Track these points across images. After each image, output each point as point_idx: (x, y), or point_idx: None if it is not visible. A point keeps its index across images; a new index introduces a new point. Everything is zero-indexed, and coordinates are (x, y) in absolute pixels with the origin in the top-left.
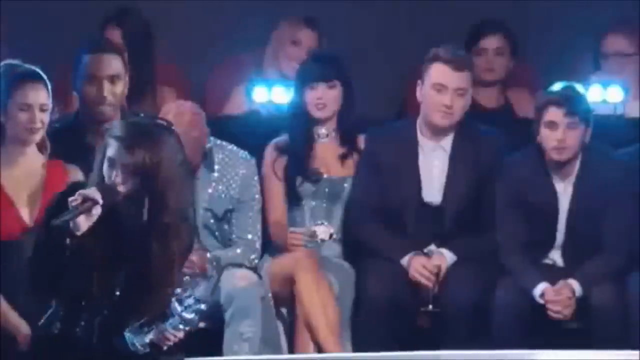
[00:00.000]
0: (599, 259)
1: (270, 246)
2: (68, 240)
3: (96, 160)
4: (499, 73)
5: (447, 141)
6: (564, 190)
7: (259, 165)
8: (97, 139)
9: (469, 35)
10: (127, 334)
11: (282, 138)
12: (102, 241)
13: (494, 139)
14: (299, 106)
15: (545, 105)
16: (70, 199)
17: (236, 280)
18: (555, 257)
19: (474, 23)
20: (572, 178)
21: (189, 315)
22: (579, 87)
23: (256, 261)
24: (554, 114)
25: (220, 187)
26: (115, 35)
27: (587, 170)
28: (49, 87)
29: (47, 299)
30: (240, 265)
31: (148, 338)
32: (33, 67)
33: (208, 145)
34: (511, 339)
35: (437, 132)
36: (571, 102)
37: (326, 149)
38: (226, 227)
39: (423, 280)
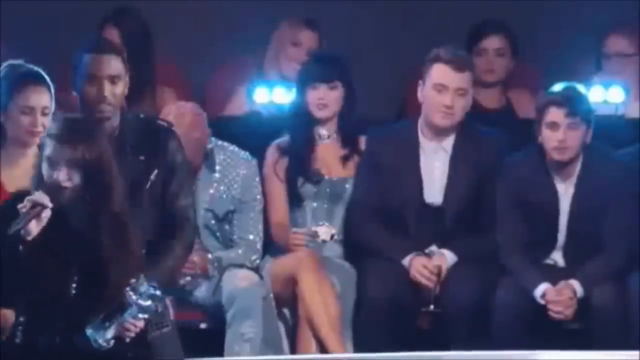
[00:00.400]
0: (600, 259)
1: (272, 247)
2: (20, 248)
3: (35, 164)
4: (500, 74)
5: (448, 142)
6: (565, 190)
7: (260, 166)
8: None
9: (470, 35)
10: (89, 332)
11: (284, 139)
12: (53, 242)
13: (494, 140)
14: (300, 106)
15: (546, 105)
16: (19, 206)
17: (237, 280)
18: (557, 257)
19: (475, 23)
20: (573, 179)
21: (145, 303)
22: (580, 88)
23: (257, 262)
24: (555, 114)
25: (221, 188)
26: (113, 35)
27: (588, 171)
28: (52, 89)
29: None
30: (241, 266)
31: (110, 333)
32: (36, 69)
33: (209, 146)
34: (512, 339)
35: (438, 132)
36: (572, 103)
37: (327, 150)
38: (227, 227)
39: (424, 281)
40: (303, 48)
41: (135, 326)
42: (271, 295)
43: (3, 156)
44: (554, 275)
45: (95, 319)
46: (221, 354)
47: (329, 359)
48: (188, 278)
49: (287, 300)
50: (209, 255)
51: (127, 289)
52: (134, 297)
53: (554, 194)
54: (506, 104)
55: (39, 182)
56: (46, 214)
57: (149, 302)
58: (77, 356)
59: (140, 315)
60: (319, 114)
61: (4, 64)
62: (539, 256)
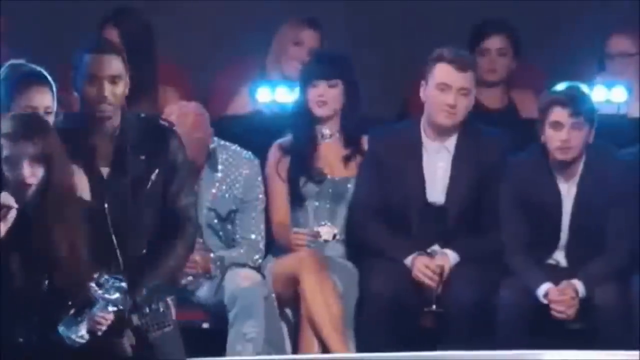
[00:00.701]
0: (602, 259)
1: (274, 246)
2: None
3: None
4: (502, 73)
5: (451, 142)
6: (568, 190)
7: (263, 165)
8: (97, 139)
9: (472, 35)
10: (61, 329)
11: (286, 138)
12: (18, 239)
13: (497, 140)
14: (302, 105)
15: (549, 105)
16: None
17: (240, 280)
18: (559, 257)
19: (477, 23)
20: (576, 178)
21: (112, 296)
22: (584, 87)
23: (260, 261)
24: (558, 114)
25: (223, 188)
26: (113, 35)
27: (591, 171)
28: (54, 89)
29: None
30: (243, 266)
31: (83, 328)
32: (38, 68)
33: (212, 146)
34: (514, 339)
35: (441, 132)
36: (576, 102)
37: (330, 149)
38: (230, 227)
39: (426, 281)
40: (305, 47)
41: (106, 319)
42: (273, 295)
43: None
44: (557, 275)
45: (65, 316)
46: (223, 354)
47: (331, 358)
48: (190, 278)
49: (289, 300)
50: (211, 255)
51: (92, 284)
52: (99, 291)
53: (557, 194)
54: (508, 103)
55: None
56: (12, 215)
57: (116, 295)
58: (56, 353)
59: (110, 308)
60: (319, 111)
61: (6, 64)
62: (542, 256)
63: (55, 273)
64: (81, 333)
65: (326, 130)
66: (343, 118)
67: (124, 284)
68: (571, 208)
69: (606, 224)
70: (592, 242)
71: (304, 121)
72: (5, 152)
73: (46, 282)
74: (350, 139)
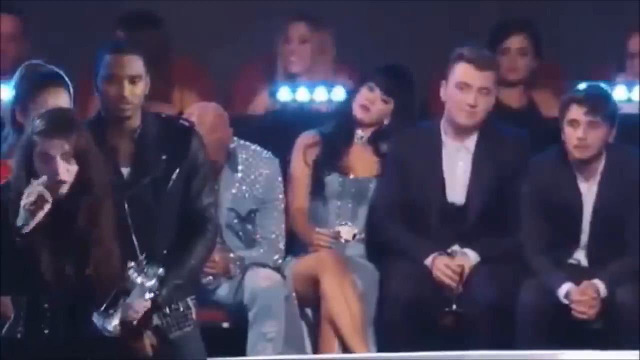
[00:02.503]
0: (623, 259)
1: (294, 246)
2: (17, 240)
3: (17, 162)
4: (522, 73)
5: (471, 141)
6: (589, 190)
7: (283, 165)
8: (118, 139)
9: (493, 35)
10: (95, 319)
11: (323, 128)
12: (47, 231)
13: (517, 139)
14: (349, 102)
15: (567, 103)
16: (23, 201)
17: (260, 280)
18: (580, 257)
19: (498, 23)
20: (597, 177)
21: (149, 282)
22: (604, 87)
23: (280, 261)
24: (575, 112)
25: (243, 187)
26: (130, 37)
27: (612, 170)
28: (71, 90)
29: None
30: (264, 265)
31: (116, 318)
32: (55, 69)
33: (232, 146)
34: (534, 339)
35: (461, 132)
36: (593, 101)
37: (358, 151)
38: (250, 227)
39: (446, 281)
40: (295, 40)
41: (143, 307)
42: (293, 294)
43: None
44: (578, 275)
45: (98, 306)
46: (243, 354)
47: (352, 358)
48: (210, 277)
49: (309, 300)
50: (231, 255)
51: (130, 270)
52: (138, 279)
53: (577, 193)
54: (528, 103)
55: (25, 177)
56: (46, 207)
57: (153, 281)
58: (81, 348)
59: (147, 296)
60: (360, 114)
61: (23, 64)
62: (563, 255)
63: (89, 267)
64: (115, 322)
65: (360, 132)
66: (383, 131)
67: (161, 270)
68: (592, 207)
69: (627, 224)
70: (613, 242)
71: (347, 118)
72: (38, 149)
73: (71, 274)
74: (381, 151)
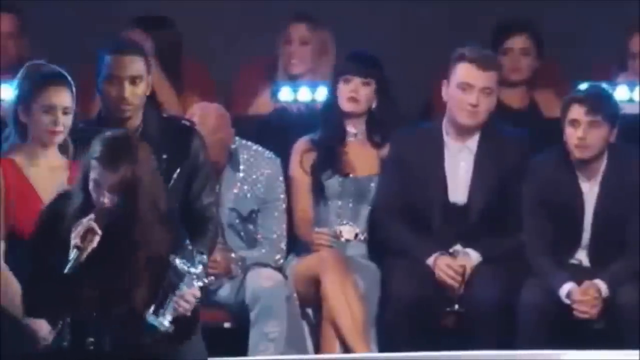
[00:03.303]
0: (625, 259)
1: (296, 246)
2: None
3: (79, 178)
4: (525, 73)
5: (473, 141)
6: (590, 190)
7: (284, 165)
8: None
9: (495, 35)
10: (150, 318)
11: (313, 134)
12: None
13: (519, 140)
14: (331, 100)
15: (568, 103)
16: (73, 241)
17: (261, 280)
18: (581, 257)
19: (500, 23)
20: (598, 177)
21: (197, 270)
22: (605, 87)
23: (281, 261)
24: (575, 111)
25: (245, 187)
26: (141, 38)
27: (613, 170)
28: (73, 89)
29: (40, 315)
30: (265, 265)
31: (169, 314)
32: (58, 69)
33: (233, 146)
34: (536, 339)
35: (463, 132)
36: (593, 100)
37: (355, 148)
38: (251, 227)
39: (448, 280)
40: (295, 41)
41: (195, 296)
42: (295, 294)
43: (26, 155)
44: (579, 275)
45: (149, 307)
46: (245, 354)
47: (353, 358)
48: (212, 278)
49: (310, 300)
50: (233, 255)
51: (176, 260)
52: (185, 267)
53: (579, 193)
54: (530, 103)
55: (83, 196)
56: (96, 240)
57: (200, 268)
58: (125, 356)
59: (195, 283)
60: (348, 107)
61: (26, 65)
62: (564, 255)
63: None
64: (170, 318)
65: (352, 129)
66: (371, 119)
67: (205, 257)
68: (593, 207)
69: (628, 224)
70: (614, 242)
71: (333, 117)
72: (93, 175)
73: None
74: (377, 141)
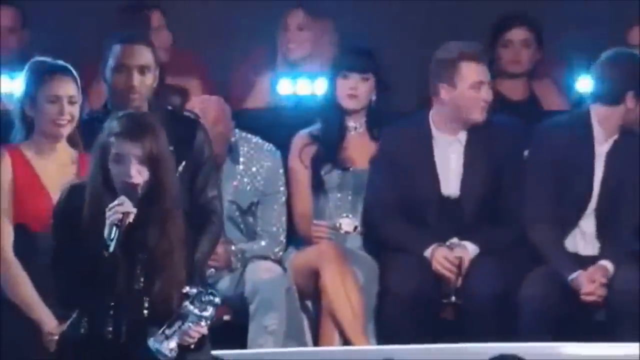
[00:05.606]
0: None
1: (295, 238)
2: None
3: (94, 162)
4: (525, 65)
5: (463, 133)
6: (603, 153)
7: (284, 157)
8: None
9: (495, 27)
10: (151, 343)
11: (312, 128)
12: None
13: (509, 129)
14: (330, 96)
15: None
16: (110, 219)
17: (261, 272)
18: (586, 226)
19: (500, 15)
20: (610, 141)
21: (207, 313)
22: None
23: (281, 254)
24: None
25: (245, 180)
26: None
27: (619, 149)
28: (78, 81)
29: (75, 308)
30: (264, 258)
31: (173, 342)
32: (62, 62)
33: (233, 139)
34: (535, 330)
35: (461, 126)
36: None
37: (355, 142)
38: (251, 219)
39: (445, 273)
40: (293, 28)
41: (199, 333)
42: (294, 287)
43: (34, 149)
44: (582, 263)
45: (156, 330)
46: (244, 346)
47: (352, 351)
48: (212, 270)
49: (309, 293)
50: (232, 247)
51: (186, 302)
52: (195, 310)
53: (592, 155)
54: (530, 95)
55: (102, 179)
56: (132, 218)
57: (210, 312)
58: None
59: (203, 324)
60: (348, 103)
61: (30, 60)
62: (568, 221)
63: (157, 275)
64: (172, 346)
65: (352, 123)
66: (370, 112)
67: (217, 300)
68: (602, 171)
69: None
70: (621, 209)
71: (333, 112)
72: (113, 150)
73: (140, 280)
74: (376, 135)
